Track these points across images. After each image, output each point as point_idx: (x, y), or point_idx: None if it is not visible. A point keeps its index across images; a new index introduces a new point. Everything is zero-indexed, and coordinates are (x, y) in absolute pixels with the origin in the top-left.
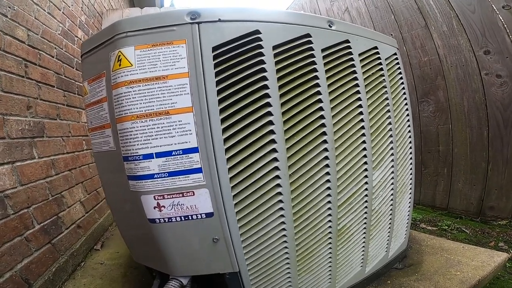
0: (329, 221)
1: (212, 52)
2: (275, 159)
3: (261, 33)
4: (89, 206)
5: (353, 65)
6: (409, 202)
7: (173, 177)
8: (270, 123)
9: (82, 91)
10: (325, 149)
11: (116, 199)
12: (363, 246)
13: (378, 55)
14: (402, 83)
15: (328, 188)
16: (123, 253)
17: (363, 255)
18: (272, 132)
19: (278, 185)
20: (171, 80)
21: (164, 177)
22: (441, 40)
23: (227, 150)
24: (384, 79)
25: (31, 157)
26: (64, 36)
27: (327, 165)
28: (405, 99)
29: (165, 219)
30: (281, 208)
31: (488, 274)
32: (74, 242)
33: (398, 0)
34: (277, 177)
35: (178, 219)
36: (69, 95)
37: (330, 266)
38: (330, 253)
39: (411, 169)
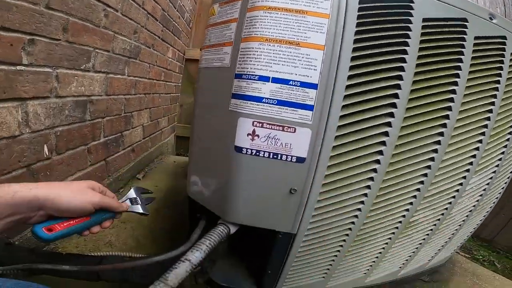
0: (407, 210)
1: (358, 4)
2: (389, 124)
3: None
4: (148, 133)
5: (501, 62)
6: (480, 221)
7: (281, 107)
8: (395, 96)
9: (209, 13)
10: (440, 134)
11: (204, 118)
12: (417, 248)
13: None
14: None
15: (425, 175)
16: (162, 188)
17: (410, 256)
18: (394, 105)
19: (380, 152)
20: (310, 16)
21: (272, 104)
22: None
23: (346, 97)
24: None
25: (122, 73)
26: None
27: (435, 150)
28: None
29: (253, 151)
30: (372, 179)
31: None
32: (123, 166)
33: None
34: (383, 143)
35: (267, 155)
36: (166, 31)
37: (376, 258)
38: (386, 243)
39: (503, 188)
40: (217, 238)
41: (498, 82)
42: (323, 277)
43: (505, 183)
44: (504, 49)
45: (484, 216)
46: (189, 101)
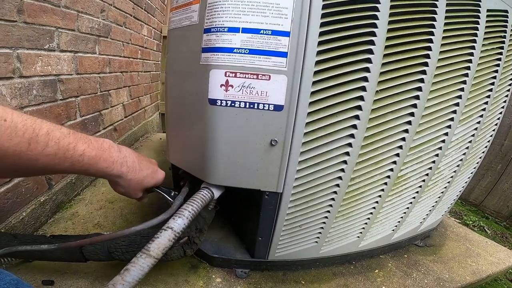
0: (394, 162)
1: None
2: (367, 70)
3: None
4: (129, 111)
5: (478, 17)
6: (468, 178)
7: (253, 55)
8: (371, 42)
9: None
10: (421, 80)
11: (176, 79)
12: (408, 208)
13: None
14: None
15: (408, 122)
16: None
17: (401, 217)
18: (370, 51)
19: (361, 98)
20: None
21: (244, 53)
22: None
23: (320, 43)
24: (504, 40)
25: (92, 51)
26: None
27: (417, 97)
28: None
29: (228, 101)
30: (355, 127)
31: (499, 272)
32: None
33: None
34: (363, 88)
35: (242, 105)
36: (137, 8)
37: (368, 219)
38: (376, 202)
39: (489, 141)
40: (200, 203)
41: (475, 35)
42: (316, 242)
43: (491, 135)
44: (479, 5)
45: (472, 173)
46: None
